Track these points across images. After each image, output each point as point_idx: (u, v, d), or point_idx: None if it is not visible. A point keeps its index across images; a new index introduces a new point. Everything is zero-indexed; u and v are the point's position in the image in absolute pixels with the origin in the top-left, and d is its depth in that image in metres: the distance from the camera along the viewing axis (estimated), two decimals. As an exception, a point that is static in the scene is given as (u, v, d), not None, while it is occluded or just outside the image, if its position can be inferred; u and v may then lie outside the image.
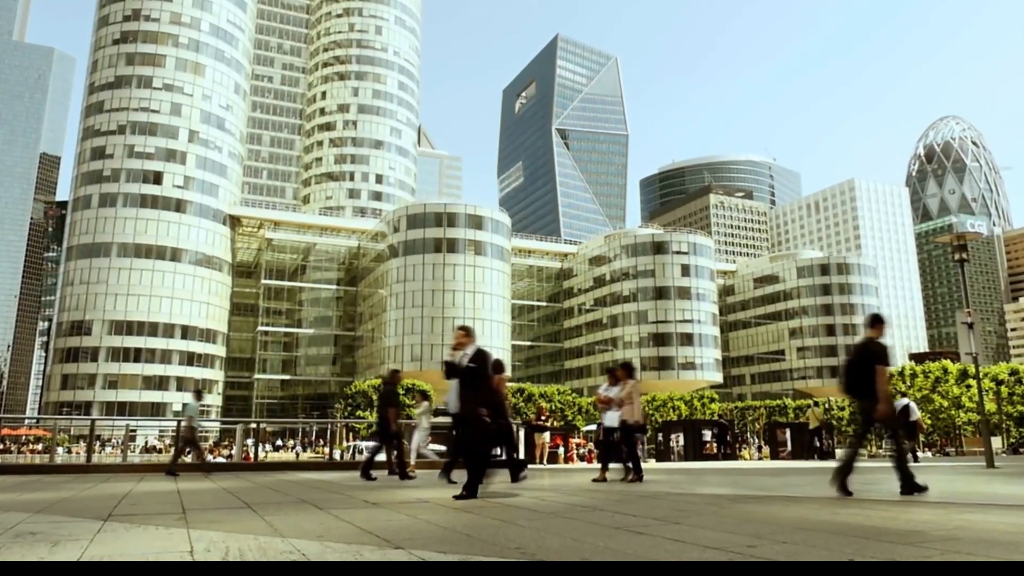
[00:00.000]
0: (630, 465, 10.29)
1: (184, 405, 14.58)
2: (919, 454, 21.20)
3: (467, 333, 7.35)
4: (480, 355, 7.24)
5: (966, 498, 6.95)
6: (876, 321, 7.22)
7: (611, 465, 10.99)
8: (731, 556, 3.53)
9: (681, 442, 26.29)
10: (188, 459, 16.72)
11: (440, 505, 6.45)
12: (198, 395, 14.85)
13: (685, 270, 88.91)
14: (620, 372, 10.70)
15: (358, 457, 33.20)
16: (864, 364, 6.96)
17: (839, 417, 59.30)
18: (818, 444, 24.67)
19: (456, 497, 6.85)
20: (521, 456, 19.34)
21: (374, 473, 11.52)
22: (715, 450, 25.07)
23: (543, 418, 20.44)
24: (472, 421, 7.17)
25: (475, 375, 7.22)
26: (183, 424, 14.65)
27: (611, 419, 10.53)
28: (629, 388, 10.33)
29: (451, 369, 7.35)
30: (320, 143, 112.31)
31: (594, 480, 10.46)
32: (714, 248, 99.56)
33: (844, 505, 6.11)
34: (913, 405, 19.75)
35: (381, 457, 12.37)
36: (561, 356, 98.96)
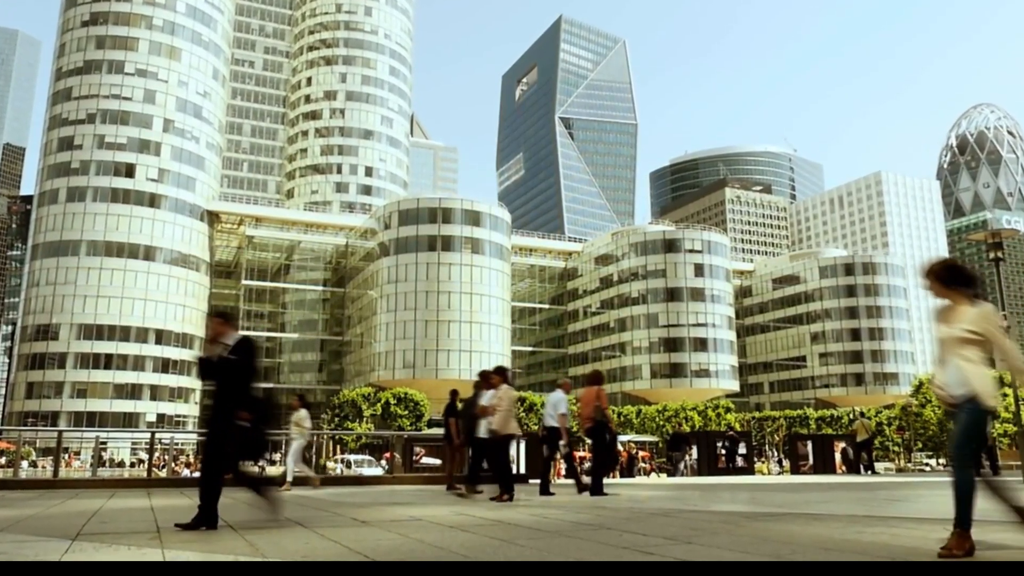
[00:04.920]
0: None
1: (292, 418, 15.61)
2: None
3: (225, 320, 6.45)
4: (242, 345, 6.30)
5: (1001, 516, 6.95)
6: None
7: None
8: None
9: (694, 455, 26.36)
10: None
11: (433, 523, 6.46)
12: (301, 401, 15.86)
13: (699, 270, 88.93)
14: (494, 378, 10.30)
15: (346, 472, 33.19)
16: None
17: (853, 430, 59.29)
18: (866, 457, 24.93)
19: (179, 526, 5.97)
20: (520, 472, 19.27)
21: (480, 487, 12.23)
22: (724, 463, 25.14)
23: None
24: (226, 430, 6.15)
25: (234, 370, 6.22)
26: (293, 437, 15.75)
27: (484, 429, 10.19)
28: (501, 394, 9.97)
29: (205, 366, 6.36)
30: (305, 133, 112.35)
31: (457, 494, 10.19)
32: (730, 246, 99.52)
33: (870, 524, 6.12)
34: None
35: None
36: (565, 363, 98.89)
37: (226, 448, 6.18)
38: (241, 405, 6.16)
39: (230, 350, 6.27)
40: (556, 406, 11.79)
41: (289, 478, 14.13)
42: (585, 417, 11.41)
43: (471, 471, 11.10)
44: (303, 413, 14.05)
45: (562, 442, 11.76)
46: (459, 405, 13.05)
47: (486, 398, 10.26)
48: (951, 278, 4.48)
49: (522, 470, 19.13)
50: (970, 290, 4.46)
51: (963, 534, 4.04)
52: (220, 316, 6.44)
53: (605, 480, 13.69)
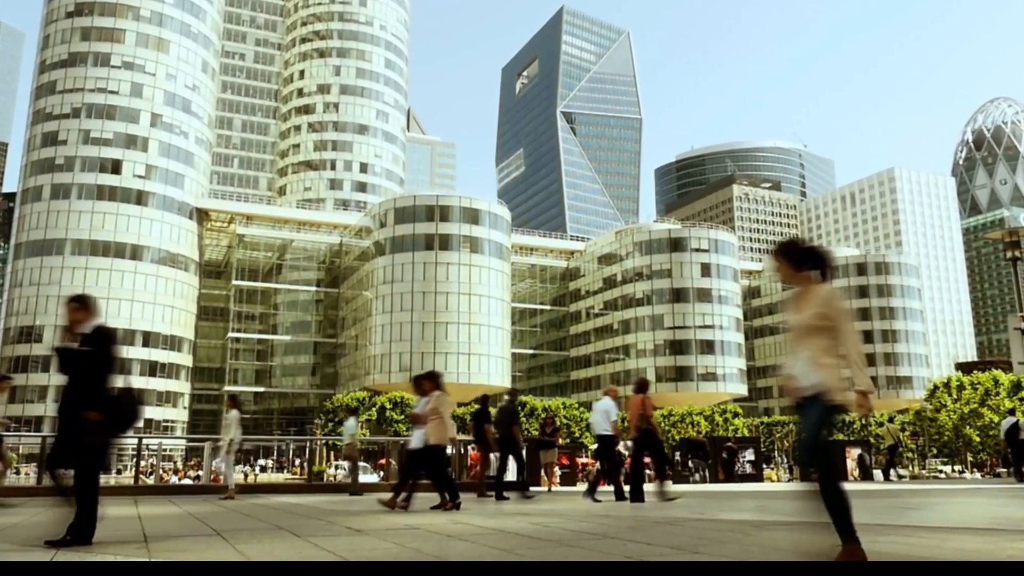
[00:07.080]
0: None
1: (343, 425, 17.01)
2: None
3: (83, 305, 5.87)
4: (98, 335, 5.72)
5: (1019, 524, 6.95)
6: None
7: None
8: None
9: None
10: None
11: (432, 532, 6.46)
12: (353, 413, 17.41)
13: (705, 270, 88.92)
14: (426, 384, 10.10)
15: (339, 477, 33.21)
16: None
17: (877, 435, 59.33)
18: (883, 462, 24.96)
19: (50, 543, 5.47)
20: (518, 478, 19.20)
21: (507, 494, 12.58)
22: (723, 474, 25.24)
23: (549, 431, 19.11)
24: (79, 431, 5.59)
25: (88, 363, 5.67)
26: (345, 443, 16.77)
27: (416, 439, 9.95)
28: (434, 402, 9.78)
29: (64, 358, 5.76)
30: (298, 128, 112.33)
31: (381, 502, 10.02)
32: (738, 245, 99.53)
33: (884, 532, 6.11)
34: (1023, 423, 19.64)
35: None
36: (567, 366, 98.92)
37: (80, 454, 5.62)
38: (92, 405, 5.57)
39: (84, 340, 5.71)
40: (608, 414, 12.24)
41: (230, 484, 13.91)
42: (632, 426, 11.79)
43: (400, 482, 10.50)
44: (233, 415, 13.90)
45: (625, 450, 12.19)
46: (492, 411, 13.25)
47: (419, 406, 10.06)
48: (800, 259, 4.23)
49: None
50: (820, 272, 4.23)
51: (848, 546, 4.02)
52: (76, 300, 5.90)
53: (605, 486, 13.66)
